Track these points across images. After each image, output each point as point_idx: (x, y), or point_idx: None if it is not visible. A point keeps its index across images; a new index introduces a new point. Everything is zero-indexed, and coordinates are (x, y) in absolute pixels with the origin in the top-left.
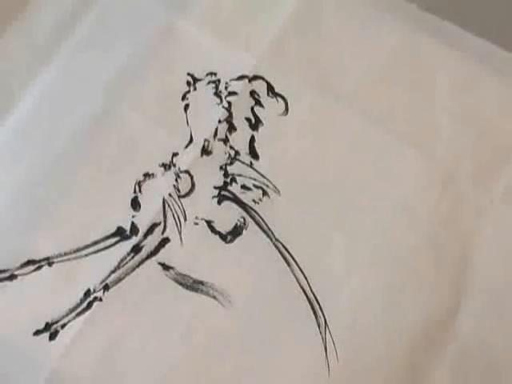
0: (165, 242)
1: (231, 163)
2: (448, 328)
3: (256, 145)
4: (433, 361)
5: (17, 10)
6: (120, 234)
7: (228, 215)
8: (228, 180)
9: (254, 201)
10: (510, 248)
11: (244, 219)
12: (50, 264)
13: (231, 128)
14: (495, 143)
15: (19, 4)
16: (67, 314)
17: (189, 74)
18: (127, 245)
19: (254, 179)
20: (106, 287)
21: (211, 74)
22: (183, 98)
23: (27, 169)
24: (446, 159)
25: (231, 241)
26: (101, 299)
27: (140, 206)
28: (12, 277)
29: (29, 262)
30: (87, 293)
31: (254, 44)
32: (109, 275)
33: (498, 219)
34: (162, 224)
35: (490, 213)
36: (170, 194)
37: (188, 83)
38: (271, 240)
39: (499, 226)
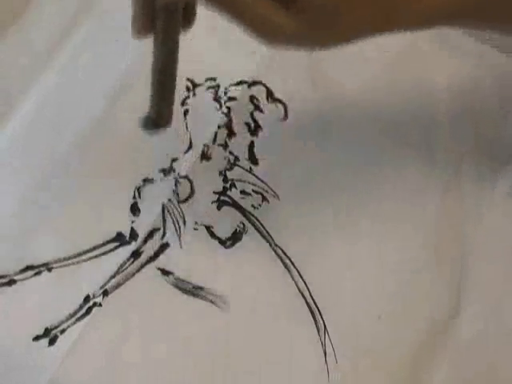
0: (164, 247)
1: (231, 168)
2: (448, 330)
3: (255, 150)
4: (432, 363)
5: (16, 13)
6: (119, 239)
7: (227, 220)
8: (227, 185)
9: (253, 206)
10: (511, 250)
11: (243, 224)
12: (49, 269)
13: (231, 133)
14: (496, 145)
15: (19, 7)
16: (67, 320)
17: (188, 80)
18: (127, 250)
19: (254, 184)
20: (106, 292)
21: (210, 79)
22: (183, 103)
23: (26, 174)
24: (446, 161)
25: (231, 246)
26: (100, 304)
27: (139, 212)
28: (11, 282)
29: (28, 268)
30: (87, 298)
31: (253, 49)
32: (108, 280)
33: (499, 221)
34: (162, 229)
35: (491, 214)
36: (169, 200)
37: (187, 88)
38: (270, 245)
39: (500, 227)
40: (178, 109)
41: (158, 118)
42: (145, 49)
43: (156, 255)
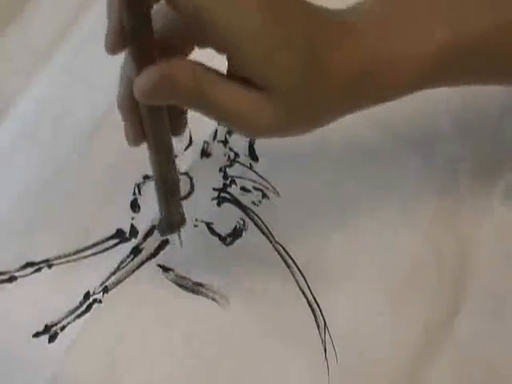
0: (164, 244)
1: (231, 165)
2: (448, 327)
3: (255, 147)
4: (432, 363)
5: (16, 10)
6: (119, 236)
7: (227, 217)
8: (227, 182)
9: (253, 203)
10: (510, 250)
11: (244, 221)
12: (49, 266)
13: (231, 130)
14: (495, 145)
15: (18, 4)
16: (67, 316)
17: None
18: (127, 247)
19: (254, 181)
20: (106, 289)
21: None
22: None
23: (27, 171)
24: (445, 161)
25: (231, 243)
26: (100, 301)
27: (139, 208)
28: (11, 279)
29: (28, 264)
30: (87, 295)
31: None
32: (108, 277)
33: (498, 221)
34: None
35: (490, 215)
36: None
37: None
38: (271, 242)
39: (499, 228)
40: None
41: (170, 223)
42: None
43: (156, 252)
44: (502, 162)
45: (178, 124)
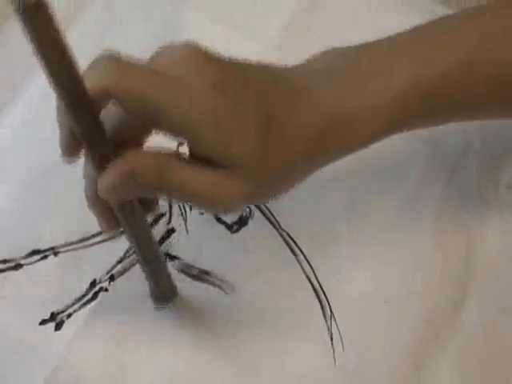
0: (170, 232)
1: None
2: (452, 322)
3: None
4: (436, 354)
5: None
6: None
7: None
8: None
9: None
10: None
11: (250, 209)
12: (55, 254)
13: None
14: (500, 136)
15: None
16: (73, 304)
17: None
18: None
19: None
20: (112, 277)
21: None
22: None
23: (33, 159)
24: (451, 152)
25: (237, 231)
26: (106, 289)
27: None
28: (17, 266)
29: (34, 252)
30: (93, 283)
31: (260, 33)
32: (114, 266)
33: (503, 212)
34: (168, 214)
35: (494, 206)
36: None
37: None
38: (277, 230)
39: (504, 219)
40: None
41: (161, 296)
42: (150, 32)
43: (162, 240)
44: (507, 155)
45: (150, 201)
